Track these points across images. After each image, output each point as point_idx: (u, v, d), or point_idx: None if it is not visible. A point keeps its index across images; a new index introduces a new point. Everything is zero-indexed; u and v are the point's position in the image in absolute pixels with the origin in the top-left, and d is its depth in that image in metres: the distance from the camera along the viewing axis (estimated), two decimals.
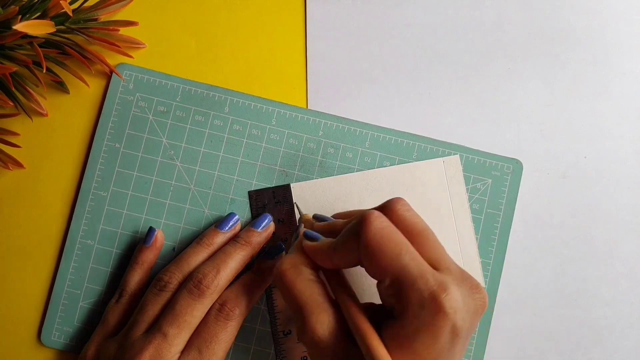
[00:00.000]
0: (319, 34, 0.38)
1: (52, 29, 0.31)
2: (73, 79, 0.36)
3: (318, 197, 0.36)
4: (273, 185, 0.36)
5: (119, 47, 0.35)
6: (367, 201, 0.36)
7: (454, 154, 0.37)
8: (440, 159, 0.36)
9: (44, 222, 0.36)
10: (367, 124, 0.37)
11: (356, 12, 0.38)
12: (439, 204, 0.36)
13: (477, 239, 0.36)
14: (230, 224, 0.35)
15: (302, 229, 0.32)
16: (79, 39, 0.35)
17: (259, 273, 0.33)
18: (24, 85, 0.35)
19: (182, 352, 0.31)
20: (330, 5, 0.38)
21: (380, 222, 0.26)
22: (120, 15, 0.37)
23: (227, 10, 0.38)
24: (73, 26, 0.34)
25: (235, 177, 0.36)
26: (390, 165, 0.37)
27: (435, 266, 0.26)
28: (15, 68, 0.31)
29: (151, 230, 0.35)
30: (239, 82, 0.37)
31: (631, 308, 0.37)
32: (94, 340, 0.33)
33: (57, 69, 0.36)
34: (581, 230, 0.37)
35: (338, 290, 0.28)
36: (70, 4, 0.34)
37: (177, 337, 0.30)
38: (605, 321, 0.37)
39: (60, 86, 0.37)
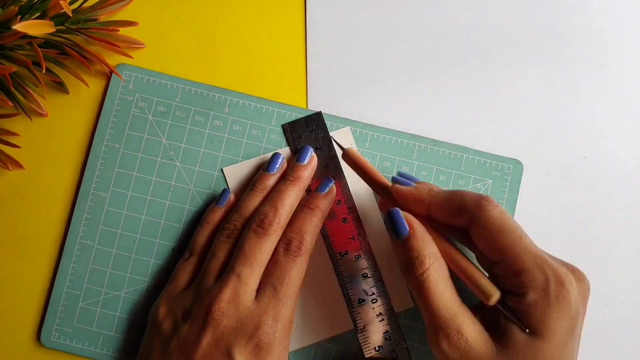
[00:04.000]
0: (319, 34, 0.38)
1: (52, 29, 0.31)
2: (73, 79, 0.36)
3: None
4: (304, 115, 0.37)
5: (118, 47, 0.35)
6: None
7: (343, 127, 0.37)
8: (329, 133, 0.36)
9: (43, 223, 0.36)
10: (367, 124, 0.37)
11: (356, 12, 0.38)
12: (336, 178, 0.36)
13: (383, 216, 0.36)
14: (277, 164, 0.35)
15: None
16: (78, 39, 0.35)
17: (315, 208, 0.34)
18: (24, 85, 0.35)
19: (257, 290, 0.32)
20: (330, 5, 0.38)
21: (500, 208, 0.29)
22: (120, 16, 0.37)
23: (227, 10, 0.38)
24: (73, 26, 0.34)
25: None
26: (389, 165, 0.37)
27: None
28: (14, 68, 0.31)
29: (225, 191, 0.35)
30: (239, 82, 0.37)
31: (631, 308, 0.37)
32: (163, 297, 0.33)
33: (56, 69, 0.36)
34: (581, 230, 0.37)
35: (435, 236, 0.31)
36: (70, 4, 0.34)
37: (251, 275, 0.31)
38: (605, 321, 0.37)
39: (59, 86, 0.37)
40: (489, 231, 0.29)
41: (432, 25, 0.38)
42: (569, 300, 0.28)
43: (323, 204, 0.34)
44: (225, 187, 0.36)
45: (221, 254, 0.33)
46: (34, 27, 0.30)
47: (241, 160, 0.36)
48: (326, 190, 0.35)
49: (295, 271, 0.32)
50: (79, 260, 0.36)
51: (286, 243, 0.33)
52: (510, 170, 0.37)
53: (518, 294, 0.28)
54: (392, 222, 0.30)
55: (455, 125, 0.37)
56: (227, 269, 0.32)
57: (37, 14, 0.33)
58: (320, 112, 0.36)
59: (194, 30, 0.38)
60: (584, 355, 0.37)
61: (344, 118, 0.37)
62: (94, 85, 0.37)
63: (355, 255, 0.35)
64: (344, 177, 0.36)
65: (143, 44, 0.37)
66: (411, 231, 0.30)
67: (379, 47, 0.38)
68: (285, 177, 0.35)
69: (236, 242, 0.33)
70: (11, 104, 0.34)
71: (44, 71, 0.32)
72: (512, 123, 0.38)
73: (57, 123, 0.37)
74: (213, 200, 0.36)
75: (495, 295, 0.29)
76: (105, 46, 0.35)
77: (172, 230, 0.36)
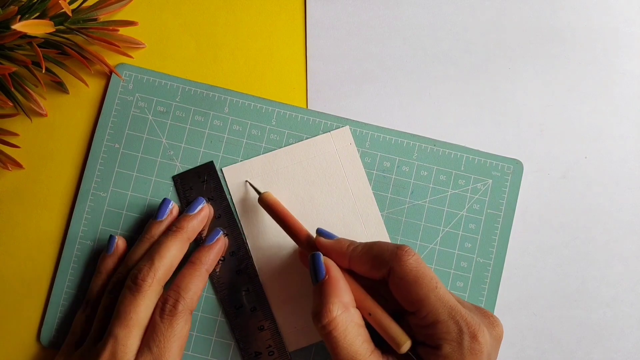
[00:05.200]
0: (319, 34, 0.38)
1: (52, 29, 0.31)
2: (72, 79, 0.36)
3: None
4: (196, 166, 0.36)
5: (118, 47, 0.35)
6: (273, 182, 0.36)
7: (342, 126, 0.36)
8: (329, 133, 0.36)
9: (43, 223, 0.36)
10: (367, 124, 0.37)
11: (356, 12, 0.38)
12: (335, 178, 0.36)
13: (383, 216, 0.36)
14: (166, 211, 0.34)
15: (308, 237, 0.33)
16: (78, 39, 0.35)
17: (196, 262, 0.33)
18: (24, 85, 0.35)
19: (138, 352, 0.31)
20: (330, 5, 0.38)
21: (416, 257, 0.29)
22: (119, 15, 0.37)
23: (227, 10, 0.38)
24: (72, 26, 0.34)
25: None
26: (389, 165, 0.37)
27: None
28: (14, 68, 0.31)
29: (112, 238, 0.35)
30: (239, 82, 0.37)
31: (631, 308, 0.37)
32: (63, 351, 0.33)
33: (56, 69, 0.36)
34: (581, 230, 0.37)
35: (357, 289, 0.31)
36: (70, 3, 0.34)
37: (128, 337, 0.30)
38: (605, 321, 0.37)
39: (59, 86, 0.37)
40: (405, 282, 0.28)
41: (432, 25, 0.38)
42: (482, 351, 0.27)
43: (207, 257, 0.33)
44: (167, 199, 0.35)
45: (104, 313, 0.32)
46: (33, 27, 0.30)
47: (241, 160, 0.36)
48: (212, 242, 0.34)
49: (171, 331, 0.31)
50: (78, 260, 0.36)
51: (162, 302, 0.31)
52: (510, 170, 0.37)
53: (432, 346, 0.28)
54: (312, 266, 0.30)
55: (455, 125, 0.37)
56: (107, 330, 0.31)
57: (37, 14, 0.33)
58: (212, 161, 0.36)
59: (194, 30, 0.38)
60: (584, 355, 0.37)
61: (344, 118, 0.37)
62: (94, 85, 0.37)
63: (251, 308, 0.35)
64: (238, 227, 0.35)
65: (143, 44, 0.37)
66: (327, 277, 0.30)
67: (379, 47, 0.38)
68: (169, 228, 0.34)
69: None
70: (11, 104, 0.34)
71: (43, 71, 0.32)
72: (512, 123, 0.38)
73: (57, 123, 0.37)
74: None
75: (405, 343, 0.28)
76: (105, 46, 0.35)
77: None
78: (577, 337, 0.37)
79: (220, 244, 0.34)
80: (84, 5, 0.35)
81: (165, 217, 0.34)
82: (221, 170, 0.36)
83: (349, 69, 0.38)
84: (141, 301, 0.31)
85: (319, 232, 0.33)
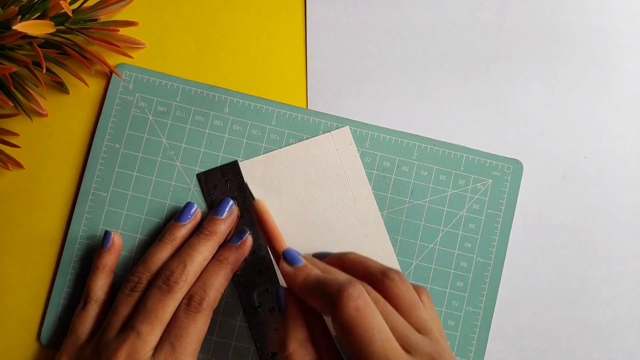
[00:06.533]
0: (319, 34, 0.38)
1: (52, 29, 0.31)
2: (73, 79, 0.36)
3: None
4: (220, 165, 0.36)
5: (118, 47, 0.35)
6: (273, 182, 0.36)
7: (342, 126, 0.36)
8: (329, 133, 0.36)
9: (44, 223, 0.36)
10: (367, 124, 0.37)
11: (356, 12, 0.38)
12: (335, 178, 0.36)
13: (383, 216, 0.36)
14: (190, 215, 0.35)
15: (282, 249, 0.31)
16: (78, 39, 0.35)
17: (224, 261, 0.33)
18: (24, 85, 0.35)
19: (156, 347, 0.31)
20: (330, 5, 0.38)
21: (357, 302, 0.26)
22: (120, 16, 0.37)
23: (227, 10, 0.38)
24: (73, 26, 0.34)
25: None
26: (389, 165, 0.37)
27: (420, 332, 0.27)
28: (15, 68, 0.31)
29: (107, 233, 0.35)
30: (239, 82, 0.37)
31: (631, 308, 0.37)
32: (65, 350, 0.33)
33: (57, 69, 0.36)
34: (581, 230, 0.37)
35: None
36: (70, 4, 0.34)
37: (151, 333, 0.31)
38: (605, 321, 0.37)
39: (60, 86, 0.37)
40: (342, 330, 0.26)
41: (432, 25, 0.38)
42: None
43: (233, 257, 0.34)
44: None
45: (123, 309, 0.32)
46: (34, 27, 0.30)
47: (241, 160, 0.36)
48: (239, 243, 0.34)
49: (194, 328, 0.31)
50: (78, 260, 0.36)
51: (188, 299, 0.32)
52: (510, 170, 0.37)
53: None
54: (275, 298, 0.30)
55: (455, 125, 0.37)
56: (128, 324, 0.31)
57: (38, 14, 0.33)
58: (236, 160, 0.36)
59: (194, 30, 0.38)
60: (584, 355, 0.37)
61: (344, 118, 0.37)
62: (94, 85, 0.37)
63: (269, 308, 0.35)
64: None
65: (143, 44, 0.37)
66: (286, 310, 0.29)
67: (379, 47, 0.38)
68: (200, 231, 0.34)
69: (141, 295, 0.32)
70: (11, 104, 0.34)
71: (44, 71, 0.32)
72: (512, 123, 0.38)
73: (57, 123, 0.37)
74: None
75: None
76: (105, 46, 0.35)
77: None
78: (577, 337, 0.37)
79: (247, 244, 0.35)
80: (85, 5, 0.35)
81: (188, 221, 0.35)
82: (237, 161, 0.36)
83: (349, 69, 0.38)
84: (170, 301, 0.31)
85: (284, 256, 0.30)
